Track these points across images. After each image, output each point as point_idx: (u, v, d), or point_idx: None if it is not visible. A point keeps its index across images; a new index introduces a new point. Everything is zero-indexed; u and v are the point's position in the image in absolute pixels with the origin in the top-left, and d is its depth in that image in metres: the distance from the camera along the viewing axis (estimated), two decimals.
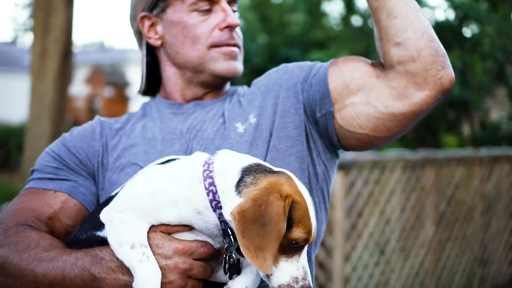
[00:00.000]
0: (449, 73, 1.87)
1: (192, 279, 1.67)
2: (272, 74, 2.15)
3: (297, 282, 1.56)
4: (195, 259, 1.67)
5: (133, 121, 2.15)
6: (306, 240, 1.58)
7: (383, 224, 6.89)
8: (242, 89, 2.20)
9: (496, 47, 15.28)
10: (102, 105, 32.93)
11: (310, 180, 2.02)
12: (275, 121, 2.01)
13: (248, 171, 1.63)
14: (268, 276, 1.57)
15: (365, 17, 17.16)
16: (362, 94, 1.94)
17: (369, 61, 2.01)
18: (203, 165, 1.68)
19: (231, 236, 1.64)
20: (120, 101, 32.92)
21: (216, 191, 1.62)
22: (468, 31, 15.97)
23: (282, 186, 1.57)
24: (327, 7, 20.87)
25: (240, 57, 2.19)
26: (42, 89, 10.90)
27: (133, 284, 1.60)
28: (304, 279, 1.57)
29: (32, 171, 2.04)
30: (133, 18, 2.25)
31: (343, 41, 16.80)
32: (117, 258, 1.65)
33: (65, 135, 2.11)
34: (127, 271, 1.64)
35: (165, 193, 1.65)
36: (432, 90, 1.86)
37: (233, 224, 1.57)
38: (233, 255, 1.67)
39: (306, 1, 18.68)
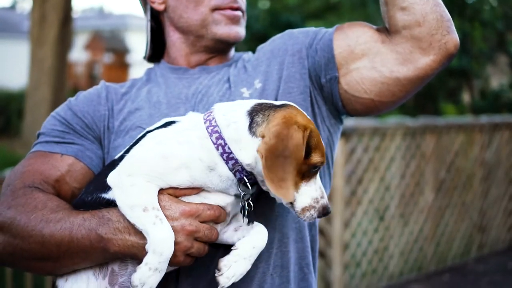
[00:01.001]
0: (454, 38, 1.89)
1: (198, 241, 1.70)
2: (277, 39, 2.14)
3: (317, 202, 1.67)
4: (201, 222, 1.69)
5: (138, 86, 2.16)
6: (322, 163, 1.66)
7: (382, 190, 6.93)
8: (247, 55, 2.19)
9: (496, 15, 15.17)
10: (102, 71, 32.74)
11: None
12: (280, 86, 2.02)
13: (255, 111, 1.68)
14: (291, 203, 1.65)
15: None
16: (367, 59, 1.95)
17: (374, 26, 2.01)
18: (204, 122, 1.71)
19: (247, 183, 1.69)
20: (120, 67, 32.70)
21: (226, 143, 1.66)
22: None
23: (296, 117, 1.63)
24: None
25: (243, 22, 2.18)
26: (42, 55, 10.88)
27: (147, 246, 1.62)
28: (322, 197, 1.68)
29: (38, 135, 2.04)
30: None
31: (342, 10, 16.68)
32: (124, 219, 1.66)
33: (71, 99, 2.11)
34: (134, 231, 1.66)
35: (176, 156, 1.67)
36: (437, 55, 1.88)
37: (252, 167, 1.65)
38: (250, 202, 1.72)
39: None
